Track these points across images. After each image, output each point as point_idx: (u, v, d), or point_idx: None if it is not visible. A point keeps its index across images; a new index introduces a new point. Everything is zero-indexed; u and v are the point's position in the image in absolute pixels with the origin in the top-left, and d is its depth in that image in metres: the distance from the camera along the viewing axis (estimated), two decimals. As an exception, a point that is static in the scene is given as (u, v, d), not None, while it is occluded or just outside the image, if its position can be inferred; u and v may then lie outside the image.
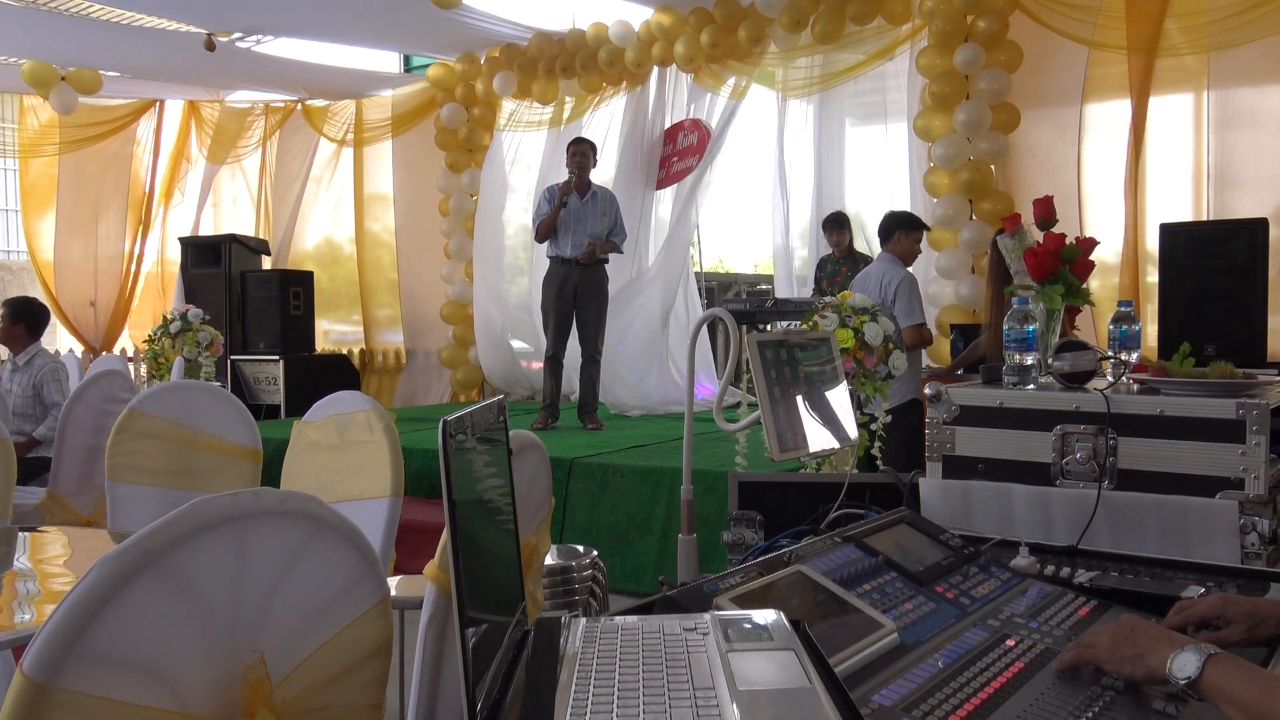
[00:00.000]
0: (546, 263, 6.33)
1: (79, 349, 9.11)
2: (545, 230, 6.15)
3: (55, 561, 2.29)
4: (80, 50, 7.83)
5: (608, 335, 6.64)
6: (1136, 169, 5.71)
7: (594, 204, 6.15)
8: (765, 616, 1.04)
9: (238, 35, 7.52)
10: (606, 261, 6.28)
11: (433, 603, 1.52)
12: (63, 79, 8.22)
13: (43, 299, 8.84)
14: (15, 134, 9.12)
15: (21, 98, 8.89)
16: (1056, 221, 2.18)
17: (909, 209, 6.56)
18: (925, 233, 5.39)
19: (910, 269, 5.15)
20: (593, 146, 6.35)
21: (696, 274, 8.29)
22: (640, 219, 7.65)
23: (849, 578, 1.35)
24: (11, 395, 4.98)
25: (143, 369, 7.16)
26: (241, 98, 9.50)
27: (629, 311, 7.37)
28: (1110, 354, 1.95)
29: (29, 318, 5.20)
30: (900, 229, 5.10)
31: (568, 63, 7.79)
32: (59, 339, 9.83)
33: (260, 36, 7.71)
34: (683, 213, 7.50)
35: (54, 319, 8.52)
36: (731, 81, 7.24)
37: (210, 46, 7.18)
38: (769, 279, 7.83)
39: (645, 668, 0.91)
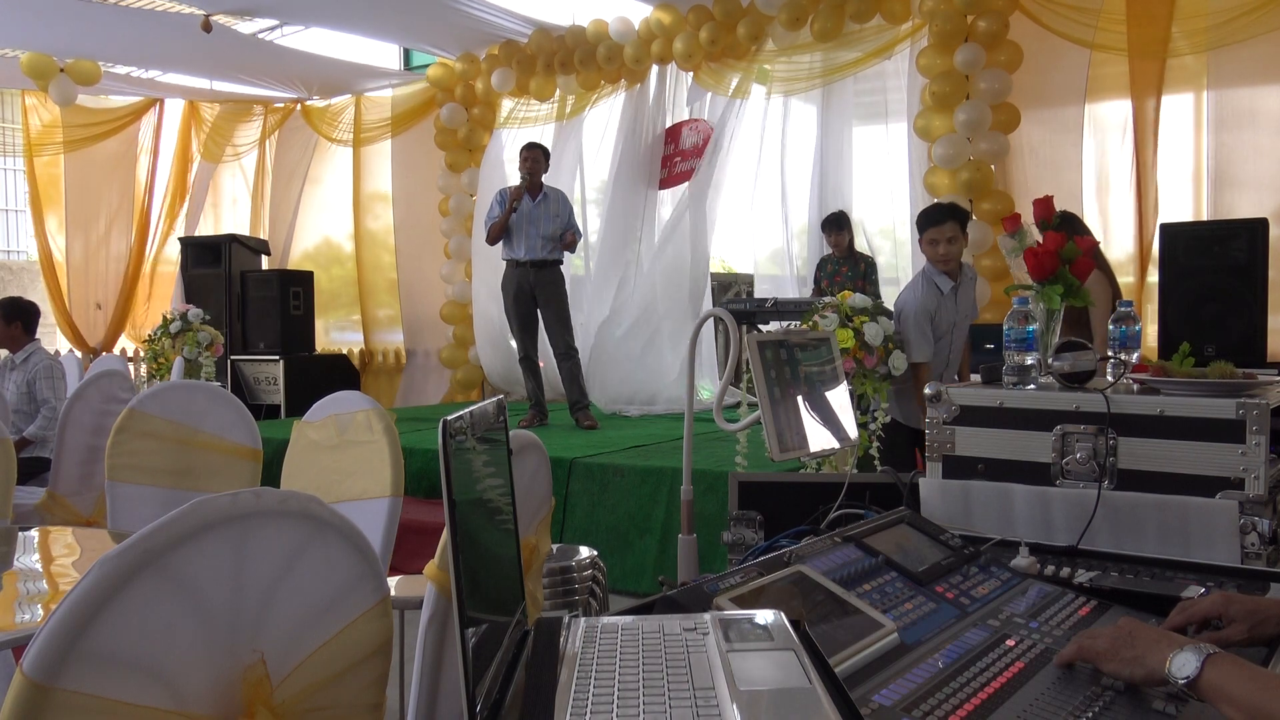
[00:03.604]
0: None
1: (78, 350, 9.10)
2: (496, 234, 6.21)
3: (56, 561, 2.29)
4: (78, 37, 7.78)
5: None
6: (1140, 169, 5.70)
7: (545, 205, 6.20)
8: (765, 616, 1.03)
9: (241, 20, 7.49)
10: (561, 261, 6.33)
11: (433, 603, 1.52)
12: (61, 70, 8.21)
13: (47, 300, 8.87)
14: (15, 134, 9.10)
15: (23, 96, 8.88)
16: (1057, 222, 2.18)
17: (909, 209, 6.50)
18: (939, 228, 4.20)
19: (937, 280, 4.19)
20: (544, 151, 6.38)
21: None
22: (642, 218, 7.64)
23: (849, 578, 1.35)
24: (9, 393, 4.99)
25: (143, 369, 7.18)
26: (240, 92, 9.47)
27: (624, 310, 7.36)
28: (1110, 354, 1.95)
29: (24, 316, 5.21)
30: (921, 233, 4.24)
31: (566, 59, 7.80)
32: (57, 340, 9.81)
33: (260, 29, 7.68)
34: (684, 215, 7.43)
35: (51, 320, 8.50)
36: (734, 81, 7.23)
37: (207, 27, 7.16)
38: (768, 279, 7.81)
39: (645, 668, 0.91)
